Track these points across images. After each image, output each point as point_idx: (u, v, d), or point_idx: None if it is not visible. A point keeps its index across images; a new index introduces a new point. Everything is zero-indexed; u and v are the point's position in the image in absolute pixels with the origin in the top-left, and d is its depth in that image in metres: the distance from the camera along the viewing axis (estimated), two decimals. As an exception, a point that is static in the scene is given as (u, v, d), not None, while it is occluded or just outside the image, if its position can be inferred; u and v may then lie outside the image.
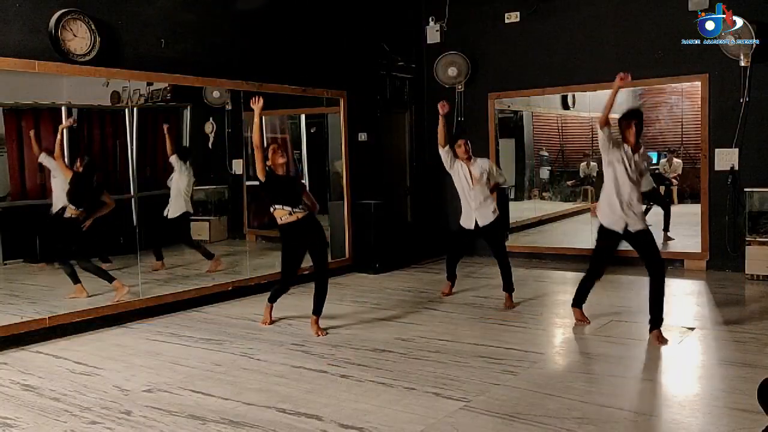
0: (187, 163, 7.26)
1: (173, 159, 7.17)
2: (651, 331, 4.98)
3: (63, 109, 6.60)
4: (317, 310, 5.50)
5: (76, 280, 6.01)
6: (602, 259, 5.34)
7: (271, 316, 5.82)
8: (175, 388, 4.23)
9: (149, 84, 6.77)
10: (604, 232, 5.15)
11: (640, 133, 5.03)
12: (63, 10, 5.58)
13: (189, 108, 7.63)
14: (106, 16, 5.92)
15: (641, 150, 5.06)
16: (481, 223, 6.17)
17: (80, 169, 6.12)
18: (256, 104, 5.30)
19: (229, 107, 7.40)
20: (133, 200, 6.67)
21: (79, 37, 5.67)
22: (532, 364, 4.55)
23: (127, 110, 6.61)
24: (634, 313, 5.67)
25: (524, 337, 5.23)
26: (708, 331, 5.33)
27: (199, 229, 8.04)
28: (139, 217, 6.72)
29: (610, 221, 5.07)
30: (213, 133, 7.79)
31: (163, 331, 5.70)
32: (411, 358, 4.73)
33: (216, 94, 7.46)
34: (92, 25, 5.75)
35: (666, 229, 8.91)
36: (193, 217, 7.70)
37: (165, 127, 7.19)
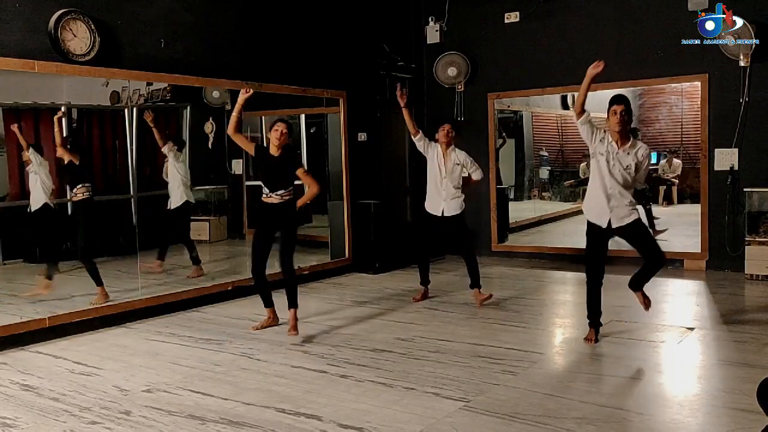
0: (182, 150, 7.18)
1: (166, 148, 7.03)
2: (631, 286, 5.17)
3: (63, 108, 6.60)
4: (292, 302, 5.39)
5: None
6: (597, 259, 4.95)
7: (275, 318, 5.63)
8: (174, 388, 4.23)
9: (149, 84, 6.77)
10: (591, 228, 4.90)
11: (627, 124, 4.72)
12: (63, 10, 5.58)
13: (189, 108, 7.64)
14: (106, 16, 5.92)
15: (635, 147, 4.75)
16: (447, 213, 6.19)
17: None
18: (245, 93, 5.14)
19: (228, 107, 7.39)
20: (132, 200, 6.67)
21: (79, 37, 5.67)
22: (532, 364, 4.55)
23: (126, 110, 6.61)
24: (633, 313, 5.66)
25: (524, 337, 5.23)
26: (708, 331, 5.33)
27: (199, 229, 8.03)
28: (139, 218, 6.71)
29: (594, 216, 4.86)
30: (213, 133, 7.78)
31: (163, 331, 5.69)
32: (411, 358, 4.73)
33: (215, 94, 7.45)
34: (92, 25, 5.75)
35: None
36: (193, 218, 7.68)
37: (149, 117, 6.91)
